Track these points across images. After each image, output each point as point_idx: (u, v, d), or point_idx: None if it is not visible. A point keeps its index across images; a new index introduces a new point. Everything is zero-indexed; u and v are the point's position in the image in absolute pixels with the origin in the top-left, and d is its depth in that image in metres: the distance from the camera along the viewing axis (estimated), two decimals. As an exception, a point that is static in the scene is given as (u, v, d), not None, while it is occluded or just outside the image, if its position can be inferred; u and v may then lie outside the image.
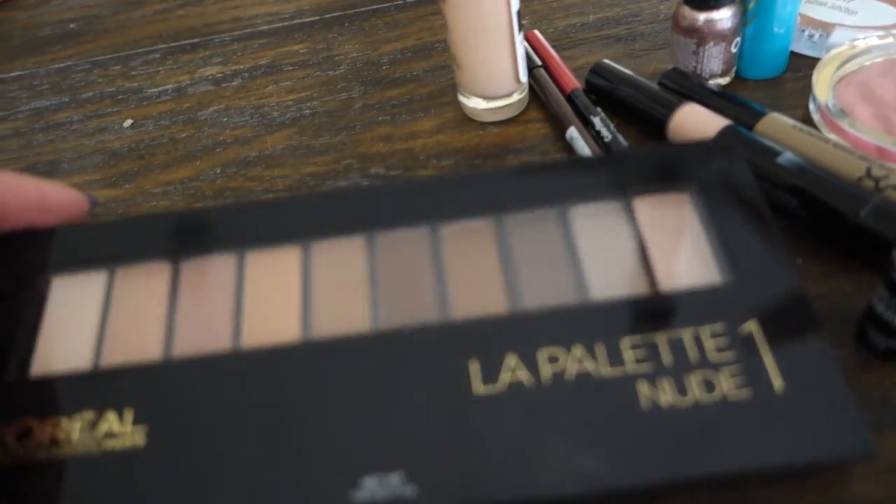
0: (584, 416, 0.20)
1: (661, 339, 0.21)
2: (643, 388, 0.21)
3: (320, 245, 0.25)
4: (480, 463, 0.20)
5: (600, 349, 0.21)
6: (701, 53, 0.33)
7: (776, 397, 0.20)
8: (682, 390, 0.21)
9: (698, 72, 0.34)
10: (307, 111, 0.38)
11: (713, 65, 0.33)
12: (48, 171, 0.37)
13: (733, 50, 0.33)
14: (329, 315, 0.24)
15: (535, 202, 0.25)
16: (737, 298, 0.22)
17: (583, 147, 0.32)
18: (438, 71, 0.39)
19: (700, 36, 0.32)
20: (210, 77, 0.42)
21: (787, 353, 0.21)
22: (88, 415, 0.22)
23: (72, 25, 0.49)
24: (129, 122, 0.40)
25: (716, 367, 0.21)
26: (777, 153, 0.28)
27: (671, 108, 0.31)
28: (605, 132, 0.32)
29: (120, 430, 0.21)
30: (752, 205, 0.24)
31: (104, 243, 0.25)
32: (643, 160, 0.26)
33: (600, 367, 0.21)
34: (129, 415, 0.21)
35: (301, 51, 0.43)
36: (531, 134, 0.35)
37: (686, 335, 0.22)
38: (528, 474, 0.20)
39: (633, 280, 0.23)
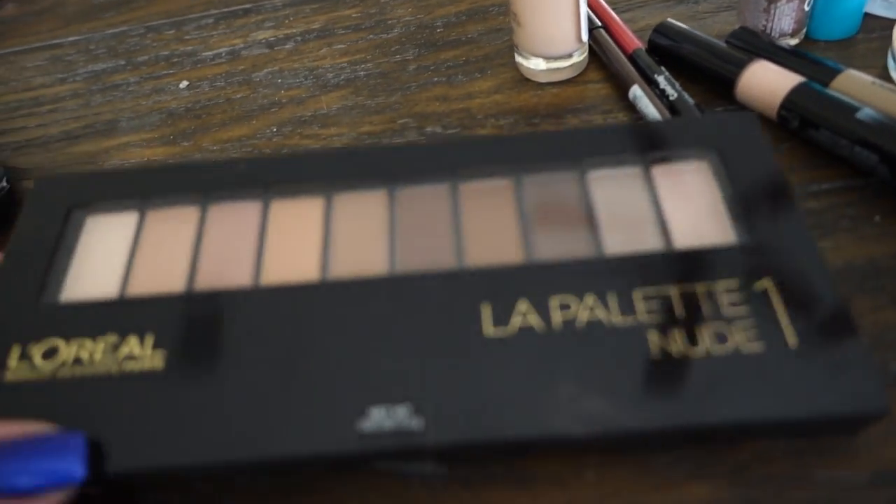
0: (593, 360, 0.20)
1: (675, 292, 0.21)
2: (654, 337, 0.21)
3: (343, 196, 0.26)
4: (487, 400, 0.20)
5: (612, 299, 0.21)
6: (772, 11, 0.32)
7: (790, 352, 0.20)
8: (693, 341, 0.20)
9: (768, 31, 0.32)
10: (361, 72, 0.38)
11: (784, 23, 0.32)
12: (107, 129, 0.38)
13: (806, 8, 0.32)
14: (347, 259, 0.24)
15: (555, 166, 0.25)
16: (752, 258, 0.22)
17: (647, 105, 0.31)
18: (494, 34, 0.39)
19: (772, -8, 0.31)
20: (263, 41, 0.42)
21: (801, 311, 0.21)
22: (112, 338, 0.22)
23: (125, -8, 0.50)
24: (184, 83, 0.40)
25: (729, 320, 0.21)
26: (856, 109, 0.27)
27: (741, 65, 0.30)
28: (669, 90, 0.31)
29: (140, 353, 0.22)
30: (770, 171, 0.24)
31: (139, 188, 0.26)
32: (663, 130, 0.26)
33: (612, 315, 0.21)
34: (149, 339, 0.22)
35: (353, 15, 0.43)
36: (591, 94, 0.34)
37: (700, 289, 0.21)
38: (533, 413, 0.20)
39: (649, 238, 0.23)
